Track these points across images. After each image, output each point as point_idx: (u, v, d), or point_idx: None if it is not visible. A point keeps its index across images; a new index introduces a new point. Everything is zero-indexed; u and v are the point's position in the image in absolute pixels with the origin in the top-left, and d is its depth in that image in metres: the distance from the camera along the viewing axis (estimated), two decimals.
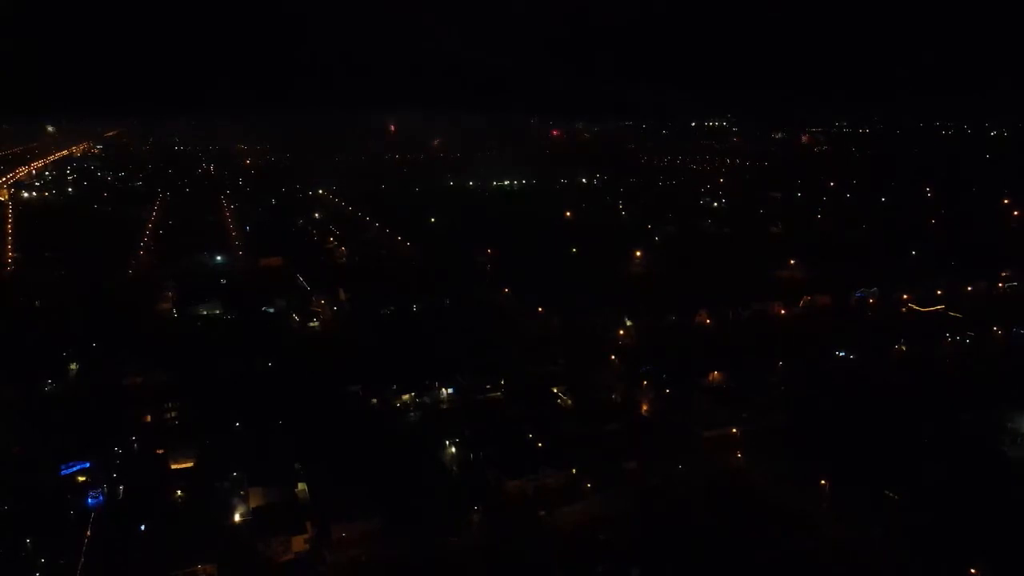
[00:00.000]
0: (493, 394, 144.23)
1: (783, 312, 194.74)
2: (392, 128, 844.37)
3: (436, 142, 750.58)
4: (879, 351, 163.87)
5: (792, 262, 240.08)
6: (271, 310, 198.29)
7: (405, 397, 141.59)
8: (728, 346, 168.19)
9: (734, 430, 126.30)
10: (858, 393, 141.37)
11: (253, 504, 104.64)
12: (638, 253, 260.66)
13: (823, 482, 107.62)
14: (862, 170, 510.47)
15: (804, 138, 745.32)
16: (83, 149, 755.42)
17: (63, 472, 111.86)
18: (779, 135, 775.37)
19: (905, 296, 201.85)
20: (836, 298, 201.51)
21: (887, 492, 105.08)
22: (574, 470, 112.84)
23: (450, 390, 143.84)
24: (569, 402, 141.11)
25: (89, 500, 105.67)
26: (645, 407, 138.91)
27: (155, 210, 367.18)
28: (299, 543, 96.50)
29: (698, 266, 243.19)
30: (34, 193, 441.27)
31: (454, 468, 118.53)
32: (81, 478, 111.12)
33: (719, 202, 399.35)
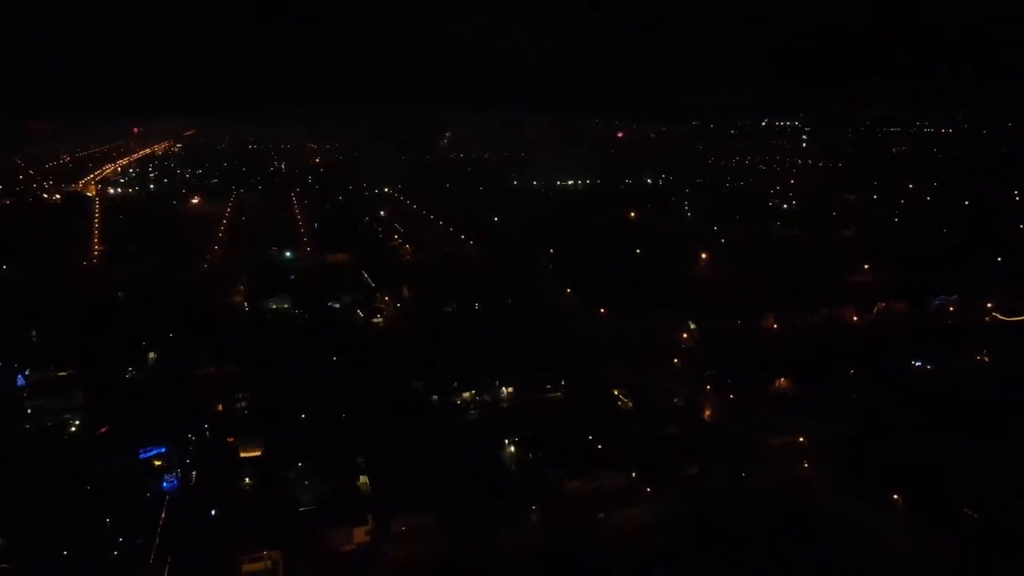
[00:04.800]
0: (553, 394, 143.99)
1: (855, 319, 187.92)
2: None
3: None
4: (959, 362, 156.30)
5: (866, 266, 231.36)
6: (337, 305, 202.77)
7: (466, 395, 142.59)
8: (796, 352, 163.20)
9: (800, 438, 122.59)
10: (935, 405, 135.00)
11: (317, 494, 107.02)
12: (704, 255, 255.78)
13: (895, 496, 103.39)
14: (943, 171, 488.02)
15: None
16: (164, 147, 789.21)
17: (141, 456, 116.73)
18: (851, 134, 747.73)
19: (989, 304, 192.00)
20: (913, 305, 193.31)
21: (966, 511, 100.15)
22: (634, 473, 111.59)
23: (510, 389, 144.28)
24: (630, 404, 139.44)
25: (164, 483, 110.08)
26: (708, 412, 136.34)
27: (229, 206, 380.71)
28: (360, 534, 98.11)
29: (766, 269, 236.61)
30: (119, 189, 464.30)
31: (513, 467, 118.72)
32: (157, 462, 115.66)
33: (789, 204, 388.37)
